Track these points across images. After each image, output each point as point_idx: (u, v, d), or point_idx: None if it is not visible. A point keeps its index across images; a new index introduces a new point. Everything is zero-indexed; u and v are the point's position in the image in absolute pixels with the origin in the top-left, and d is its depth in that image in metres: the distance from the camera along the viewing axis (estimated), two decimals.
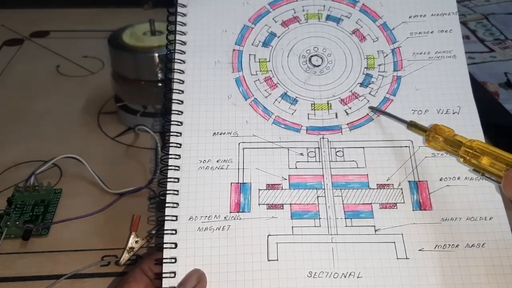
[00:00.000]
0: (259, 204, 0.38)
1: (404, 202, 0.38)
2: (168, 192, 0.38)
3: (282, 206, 0.38)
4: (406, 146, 0.40)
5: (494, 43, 0.80)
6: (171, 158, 0.39)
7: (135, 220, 0.46)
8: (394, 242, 0.36)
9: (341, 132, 0.41)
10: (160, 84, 0.58)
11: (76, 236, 0.47)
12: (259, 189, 0.38)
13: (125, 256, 0.44)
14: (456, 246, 0.36)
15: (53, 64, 0.77)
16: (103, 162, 0.55)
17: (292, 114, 0.42)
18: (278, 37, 0.45)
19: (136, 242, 0.44)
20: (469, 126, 0.40)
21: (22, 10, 0.95)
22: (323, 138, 0.41)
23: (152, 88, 0.58)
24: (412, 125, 0.39)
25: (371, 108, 0.42)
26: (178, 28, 0.44)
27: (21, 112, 0.65)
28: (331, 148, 0.40)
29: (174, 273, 0.35)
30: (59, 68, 0.76)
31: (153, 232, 0.46)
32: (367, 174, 0.39)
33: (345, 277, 0.35)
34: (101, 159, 0.56)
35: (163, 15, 0.45)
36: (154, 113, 0.60)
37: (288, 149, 0.40)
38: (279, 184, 0.39)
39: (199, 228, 0.37)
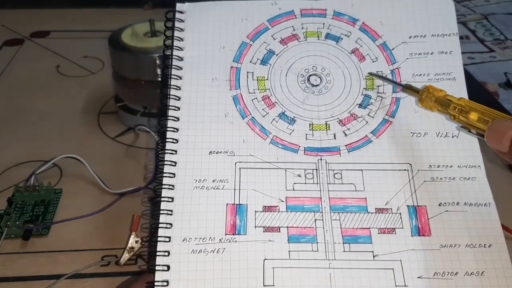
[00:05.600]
0: (255, 227, 0.37)
1: (402, 227, 0.37)
2: (161, 211, 0.37)
3: (279, 229, 0.37)
4: (405, 170, 0.39)
5: (494, 43, 0.81)
6: (166, 176, 0.38)
7: (135, 220, 0.46)
8: (393, 269, 0.35)
9: (339, 153, 0.40)
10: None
11: (76, 236, 0.47)
12: (255, 211, 0.38)
13: (125, 256, 0.43)
14: (455, 274, 0.35)
15: (53, 64, 0.77)
16: (103, 162, 0.55)
17: (290, 134, 0.41)
18: (277, 55, 0.44)
19: (136, 242, 0.44)
20: (468, 150, 0.40)
21: (22, 10, 0.95)
22: (321, 159, 0.40)
23: (152, 88, 0.58)
24: (407, 88, 0.41)
25: (370, 73, 0.43)
26: (175, 43, 0.43)
27: (21, 112, 0.65)
28: (329, 170, 0.40)
29: None
30: (59, 68, 0.76)
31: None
32: (366, 198, 0.38)
33: None
34: (101, 159, 0.56)
35: (163, 15, 0.45)
36: (154, 113, 0.60)
37: (286, 170, 0.39)
38: (276, 206, 0.38)
39: (193, 250, 0.36)
